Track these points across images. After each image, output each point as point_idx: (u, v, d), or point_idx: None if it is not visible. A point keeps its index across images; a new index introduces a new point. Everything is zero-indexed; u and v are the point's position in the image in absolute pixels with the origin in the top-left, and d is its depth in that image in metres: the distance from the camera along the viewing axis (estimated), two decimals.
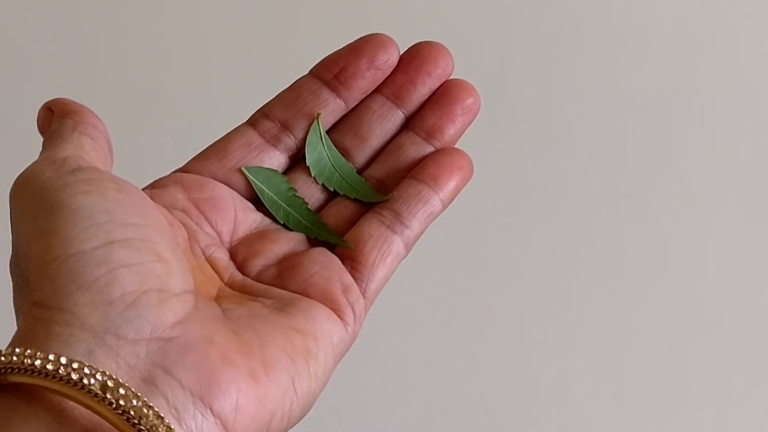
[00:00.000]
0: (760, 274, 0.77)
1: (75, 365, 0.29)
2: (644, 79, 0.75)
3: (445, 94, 0.41)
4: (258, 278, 0.37)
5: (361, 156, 0.41)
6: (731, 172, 0.76)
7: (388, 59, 0.40)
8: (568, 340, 0.78)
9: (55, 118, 0.36)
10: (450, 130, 0.41)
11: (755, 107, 0.76)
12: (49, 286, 0.30)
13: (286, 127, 0.40)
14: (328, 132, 0.41)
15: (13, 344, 0.30)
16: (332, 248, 0.38)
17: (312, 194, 0.40)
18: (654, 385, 0.78)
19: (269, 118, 0.40)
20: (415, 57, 0.41)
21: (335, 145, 0.40)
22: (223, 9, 0.76)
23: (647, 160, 0.76)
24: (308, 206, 0.40)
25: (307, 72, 0.41)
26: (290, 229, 0.39)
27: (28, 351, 0.29)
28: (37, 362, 0.29)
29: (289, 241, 0.38)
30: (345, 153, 0.41)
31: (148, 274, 0.31)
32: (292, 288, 0.36)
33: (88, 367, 0.29)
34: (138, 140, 0.77)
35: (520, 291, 0.77)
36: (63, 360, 0.29)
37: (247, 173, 0.39)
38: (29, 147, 0.75)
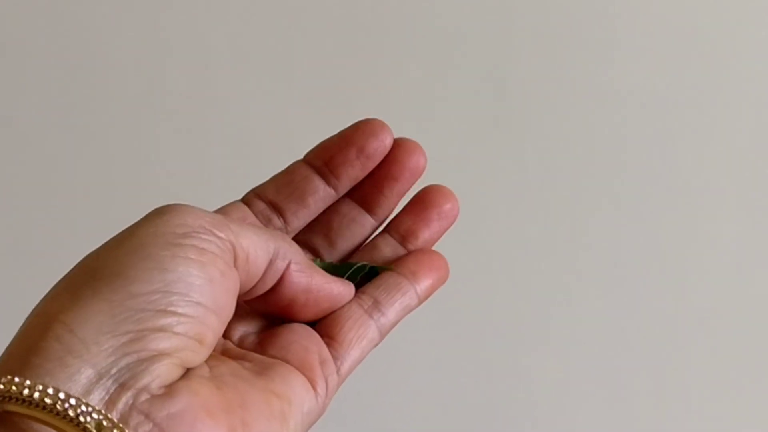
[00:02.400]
0: (759, 274, 0.77)
1: (72, 401, 0.30)
2: (644, 79, 0.75)
3: (422, 198, 0.42)
4: (239, 343, 0.38)
5: (332, 255, 0.42)
6: (731, 172, 0.76)
7: (379, 146, 0.41)
8: (568, 339, 0.78)
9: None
10: (425, 235, 0.42)
11: (755, 107, 0.76)
12: (83, 315, 0.32)
13: (277, 209, 0.42)
14: (300, 234, 0.42)
15: (22, 349, 0.31)
16: (312, 325, 0.40)
17: None
18: (654, 386, 0.78)
19: (261, 199, 0.42)
20: (385, 168, 0.42)
21: (305, 245, 0.42)
22: (221, 12, 0.76)
23: (646, 159, 0.76)
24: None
25: (302, 156, 0.42)
26: None
27: (28, 381, 0.30)
28: (36, 394, 0.30)
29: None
30: (315, 252, 0.42)
31: (178, 345, 0.33)
32: (272, 353, 0.37)
33: (85, 404, 0.30)
34: (138, 140, 0.77)
35: (520, 291, 0.77)
36: (61, 395, 0.30)
37: None
38: (29, 146, 0.76)
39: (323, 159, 0.41)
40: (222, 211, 0.41)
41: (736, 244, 0.77)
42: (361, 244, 0.43)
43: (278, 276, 0.37)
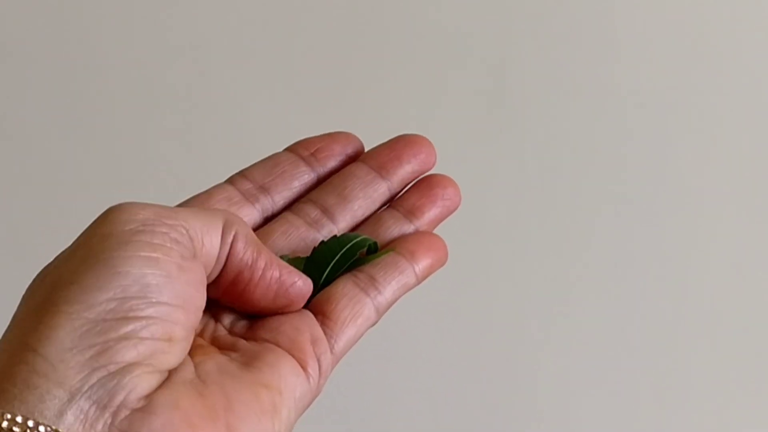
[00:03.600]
0: (760, 274, 0.77)
1: (42, 429, 0.29)
2: (644, 79, 0.75)
3: (428, 181, 0.43)
4: (230, 328, 0.38)
5: (343, 216, 0.42)
6: (732, 173, 0.76)
7: (357, 153, 0.44)
8: (568, 340, 0.78)
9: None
10: (430, 213, 0.42)
11: (756, 108, 0.76)
12: (45, 333, 0.31)
13: (264, 189, 0.42)
14: (307, 194, 0.43)
15: None
16: (306, 304, 0.39)
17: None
18: (655, 386, 0.78)
19: (248, 179, 0.42)
20: (403, 139, 0.44)
21: (316, 203, 0.42)
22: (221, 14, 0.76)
23: (646, 160, 0.76)
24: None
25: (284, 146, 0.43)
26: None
27: None
28: (4, 423, 0.29)
29: None
30: (327, 212, 0.42)
31: (146, 350, 0.32)
32: (262, 335, 0.37)
33: (54, 431, 0.29)
34: (137, 140, 0.77)
35: (520, 291, 0.77)
36: (30, 423, 0.29)
37: None
38: (29, 146, 0.76)
39: (309, 150, 0.43)
40: (207, 193, 0.41)
41: (737, 244, 0.77)
42: (371, 214, 0.43)
43: (227, 250, 0.36)
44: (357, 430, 0.78)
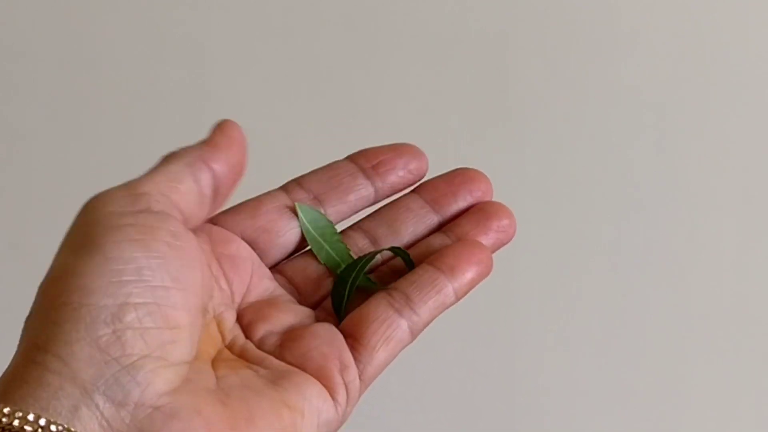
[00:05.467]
0: (760, 275, 0.77)
1: (53, 428, 0.29)
2: (644, 79, 0.75)
3: (483, 210, 0.42)
4: (260, 344, 0.37)
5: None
6: (735, 173, 0.76)
7: (419, 167, 0.42)
8: (568, 340, 0.78)
9: (197, 143, 0.37)
10: (482, 242, 0.41)
11: (757, 108, 0.76)
12: (52, 330, 0.31)
13: (318, 200, 0.41)
14: (360, 222, 0.42)
15: (3, 382, 0.31)
16: (338, 324, 0.38)
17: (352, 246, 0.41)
18: (655, 387, 0.78)
19: (303, 189, 0.41)
20: (461, 174, 0.42)
21: (367, 233, 0.41)
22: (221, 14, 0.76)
23: (646, 160, 0.76)
24: (350, 252, 0.40)
25: (345, 155, 0.42)
26: (332, 273, 0.40)
27: (7, 409, 0.29)
28: (15, 422, 0.29)
29: (297, 314, 0.39)
30: (375, 243, 0.41)
31: (153, 340, 0.31)
32: (290, 359, 0.36)
33: (66, 430, 0.29)
34: (137, 140, 0.77)
35: (520, 291, 0.77)
36: (42, 422, 0.29)
37: (298, 209, 0.40)
38: (29, 145, 0.76)
39: (371, 161, 0.41)
40: (257, 199, 0.40)
41: (738, 244, 0.77)
42: (420, 238, 0.41)
43: (209, 176, 0.36)
44: (356, 429, 0.78)
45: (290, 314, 0.38)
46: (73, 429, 0.29)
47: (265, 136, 0.75)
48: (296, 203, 0.40)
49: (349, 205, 0.41)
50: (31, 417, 0.29)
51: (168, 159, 0.36)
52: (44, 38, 0.76)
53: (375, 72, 0.76)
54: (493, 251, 0.41)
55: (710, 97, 0.75)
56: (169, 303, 0.32)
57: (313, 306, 0.40)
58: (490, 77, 0.75)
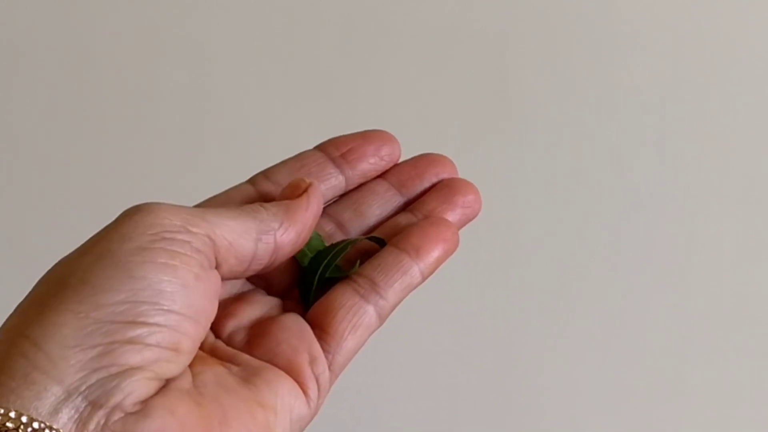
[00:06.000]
0: (760, 275, 0.77)
1: (36, 425, 0.29)
2: (644, 79, 0.75)
3: (448, 186, 0.41)
4: (228, 341, 0.36)
5: (356, 230, 0.41)
6: (733, 173, 0.76)
7: (391, 153, 0.41)
8: (568, 340, 0.78)
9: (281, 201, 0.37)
10: (449, 218, 0.40)
11: (758, 108, 0.76)
12: (50, 330, 0.30)
13: None
14: (326, 208, 0.41)
15: None
16: (304, 314, 0.38)
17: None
18: (654, 387, 0.78)
19: (270, 180, 0.40)
20: (426, 158, 0.42)
21: (332, 217, 0.41)
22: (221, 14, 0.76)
23: (646, 160, 0.76)
24: (322, 238, 0.40)
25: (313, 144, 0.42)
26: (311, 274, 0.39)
27: None
28: None
29: (263, 305, 0.38)
30: (341, 227, 0.41)
31: (150, 356, 0.31)
32: (258, 355, 0.35)
33: (49, 428, 0.29)
34: (137, 140, 0.77)
35: (520, 291, 0.77)
36: (24, 419, 0.29)
37: None
38: (28, 145, 0.76)
39: (340, 150, 0.41)
40: (226, 193, 0.40)
41: (738, 245, 0.77)
42: (386, 219, 0.41)
43: (271, 248, 0.35)
44: (354, 429, 0.78)
45: (257, 306, 0.38)
46: (55, 427, 0.29)
47: (264, 139, 0.76)
48: None
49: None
50: (13, 414, 0.29)
51: (252, 212, 0.36)
52: (44, 38, 0.76)
53: (375, 72, 0.76)
54: (459, 227, 0.40)
55: (710, 98, 0.75)
56: (179, 329, 0.32)
57: (281, 295, 0.39)
58: (490, 77, 0.75)
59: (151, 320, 0.31)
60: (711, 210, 0.76)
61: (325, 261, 0.38)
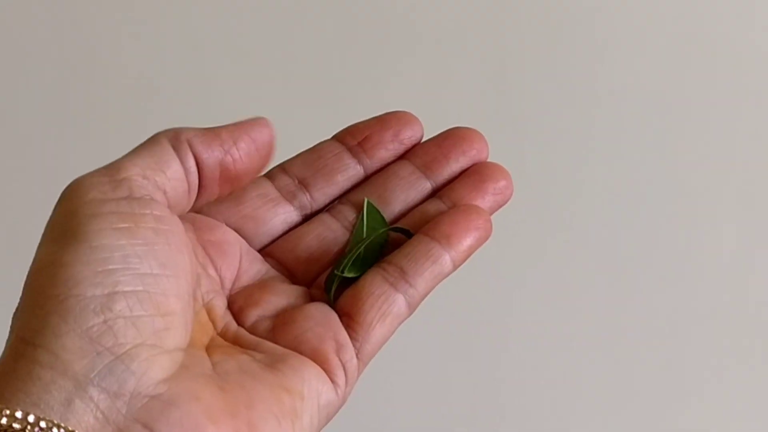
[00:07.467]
0: (760, 275, 0.77)
1: (43, 424, 0.28)
2: (644, 80, 0.75)
3: (478, 172, 0.40)
4: (252, 330, 0.36)
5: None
6: (733, 173, 0.76)
7: (413, 135, 0.40)
8: (567, 340, 0.78)
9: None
10: (480, 205, 0.39)
11: (758, 108, 0.76)
12: (39, 323, 0.30)
13: (303, 185, 0.40)
14: (348, 195, 0.40)
15: None
16: (331, 304, 0.37)
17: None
18: (657, 388, 0.78)
19: (287, 174, 0.40)
20: (452, 135, 0.40)
21: (356, 205, 0.40)
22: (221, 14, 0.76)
23: (646, 160, 0.76)
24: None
25: (330, 135, 0.41)
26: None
27: None
28: (3, 420, 0.28)
29: (289, 295, 0.37)
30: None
31: (145, 328, 0.30)
32: (284, 343, 0.35)
33: (57, 426, 0.28)
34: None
35: (520, 291, 0.77)
36: (30, 418, 0.28)
37: (365, 206, 0.39)
38: (28, 145, 0.76)
39: (357, 138, 0.40)
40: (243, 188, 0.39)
41: (738, 245, 0.77)
42: (412, 206, 0.40)
43: (194, 169, 0.34)
44: (354, 429, 0.78)
45: (282, 296, 0.37)
46: (63, 424, 0.28)
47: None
48: (366, 199, 0.39)
49: (338, 186, 0.40)
50: (19, 414, 0.28)
51: (154, 139, 0.34)
52: (45, 38, 0.76)
53: (375, 72, 0.76)
54: (491, 214, 0.39)
55: (711, 98, 0.76)
56: (159, 290, 0.31)
57: (308, 284, 0.39)
58: (490, 78, 0.75)
59: (128, 287, 0.30)
60: (711, 210, 0.76)
61: (350, 255, 0.38)
